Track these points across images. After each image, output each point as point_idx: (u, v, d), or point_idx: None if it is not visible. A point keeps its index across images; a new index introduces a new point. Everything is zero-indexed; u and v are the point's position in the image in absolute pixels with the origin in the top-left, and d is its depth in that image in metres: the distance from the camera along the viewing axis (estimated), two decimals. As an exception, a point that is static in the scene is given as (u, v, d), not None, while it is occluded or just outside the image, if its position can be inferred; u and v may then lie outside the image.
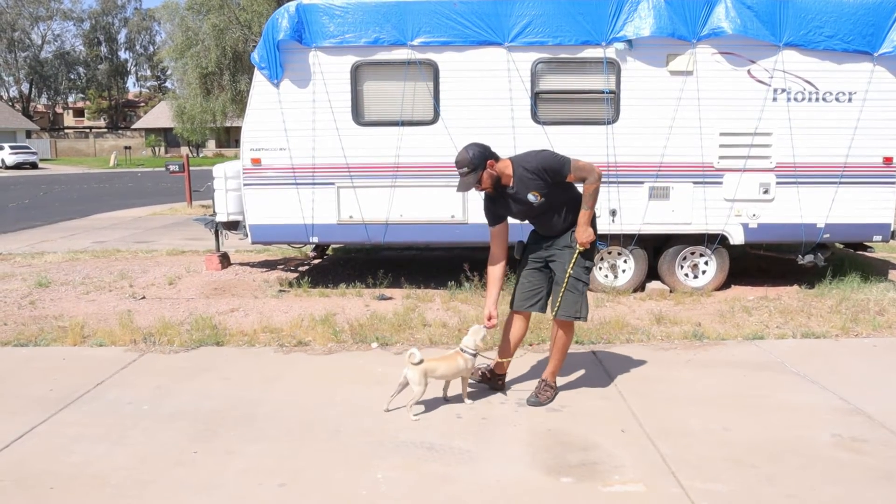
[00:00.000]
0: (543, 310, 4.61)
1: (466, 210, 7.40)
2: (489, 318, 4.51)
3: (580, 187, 4.34)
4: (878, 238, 7.60)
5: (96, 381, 5.04)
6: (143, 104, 77.01)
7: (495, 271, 4.55)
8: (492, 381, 4.78)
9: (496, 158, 4.29)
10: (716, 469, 3.65)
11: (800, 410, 4.42)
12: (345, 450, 3.93)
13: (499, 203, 4.44)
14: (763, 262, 8.39)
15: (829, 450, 3.88)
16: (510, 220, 4.52)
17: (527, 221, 4.56)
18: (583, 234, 4.29)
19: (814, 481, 3.52)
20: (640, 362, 5.34)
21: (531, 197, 4.26)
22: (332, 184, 7.47)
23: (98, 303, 7.47)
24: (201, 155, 50.49)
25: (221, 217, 8.54)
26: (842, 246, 8.56)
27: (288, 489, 3.51)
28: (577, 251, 4.33)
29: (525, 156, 4.35)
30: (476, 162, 4.19)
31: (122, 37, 79.07)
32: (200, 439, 4.10)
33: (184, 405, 4.61)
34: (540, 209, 4.35)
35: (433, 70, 7.28)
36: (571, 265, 4.35)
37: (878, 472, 3.62)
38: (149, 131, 59.65)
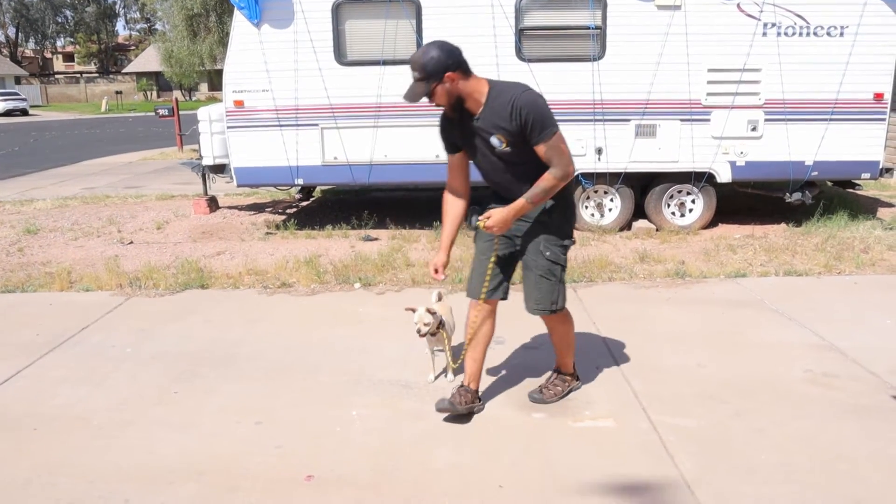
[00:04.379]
0: (506, 296, 3.63)
1: (451, 151, 7.34)
2: (434, 270, 3.53)
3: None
4: (867, 175, 7.57)
5: (82, 325, 5.08)
6: (133, 48, 75.76)
7: (451, 208, 3.55)
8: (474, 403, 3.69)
9: (465, 72, 3.22)
10: (686, 405, 3.70)
11: (775, 347, 4.46)
12: (322, 388, 3.99)
13: (457, 130, 3.41)
14: (752, 200, 8.37)
15: (801, 385, 3.93)
16: None
17: (481, 172, 3.51)
18: (497, 217, 3.28)
19: (782, 416, 3.57)
20: (621, 300, 5.38)
21: (494, 140, 3.26)
22: (316, 125, 7.40)
23: (86, 248, 7.48)
24: (194, 98, 49.86)
25: (208, 160, 8.48)
26: (831, 184, 8.53)
27: (263, 426, 3.57)
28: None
29: (510, 86, 3.28)
30: (431, 69, 3.14)
31: (109, -23, 77.36)
32: (181, 380, 4.15)
33: (166, 347, 4.66)
34: (499, 160, 3.35)
35: (415, 7, 7.14)
36: (547, 244, 3.46)
37: (846, 406, 3.67)
38: (140, 75, 58.83)
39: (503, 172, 3.40)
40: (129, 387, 4.08)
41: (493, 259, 3.50)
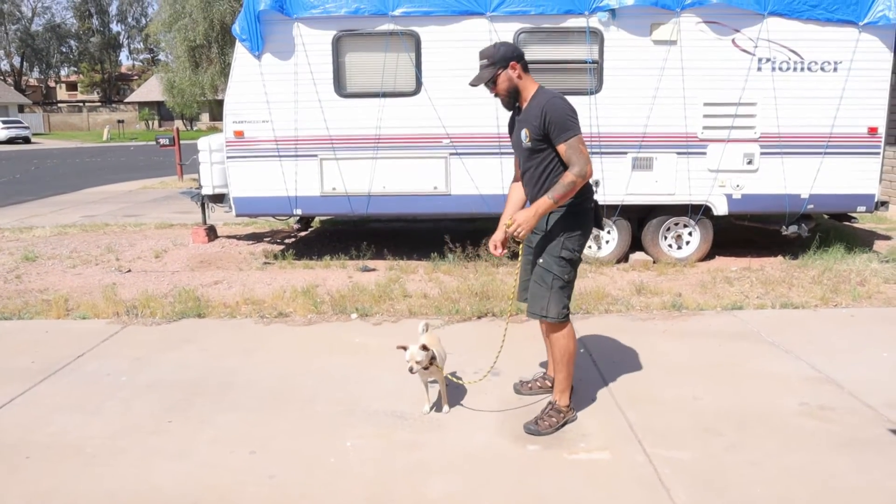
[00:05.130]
0: None
1: (449, 181, 7.40)
2: (494, 246, 3.80)
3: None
4: (863, 209, 7.61)
5: (77, 353, 5.08)
6: (136, 77, 76.42)
7: (513, 194, 4.02)
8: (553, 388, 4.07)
9: (525, 69, 3.69)
10: (682, 437, 3.70)
11: (771, 379, 4.46)
12: (317, 418, 3.98)
13: (509, 125, 3.91)
14: (749, 233, 8.41)
15: (796, 418, 3.92)
16: None
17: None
18: (521, 218, 3.56)
19: (777, 449, 3.57)
20: (617, 332, 5.37)
21: (523, 134, 3.67)
22: (315, 156, 7.46)
23: (84, 276, 7.49)
24: (195, 128, 50.18)
25: (207, 190, 8.52)
26: (827, 217, 8.58)
27: (257, 456, 3.56)
28: (513, 232, 3.60)
29: (548, 92, 3.68)
30: (499, 56, 3.62)
31: (113, 9, 78.33)
32: (176, 409, 4.14)
33: (162, 376, 4.65)
34: (525, 155, 3.75)
35: (415, 41, 7.23)
36: (545, 254, 3.75)
37: (841, 439, 3.66)
38: (142, 105, 59.26)
39: (526, 167, 3.80)
40: (123, 415, 4.07)
41: (527, 270, 3.90)
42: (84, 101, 72.71)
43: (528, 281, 3.86)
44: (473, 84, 3.72)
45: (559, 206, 3.64)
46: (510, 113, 3.87)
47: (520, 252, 3.93)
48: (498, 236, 3.78)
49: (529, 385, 4.27)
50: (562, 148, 3.57)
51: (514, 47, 3.75)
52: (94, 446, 3.70)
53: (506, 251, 3.78)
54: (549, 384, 4.15)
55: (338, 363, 4.83)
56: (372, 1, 7.15)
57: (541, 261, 3.74)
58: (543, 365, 4.53)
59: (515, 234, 3.56)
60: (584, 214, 3.78)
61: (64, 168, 23.69)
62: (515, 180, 4.04)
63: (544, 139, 3.61)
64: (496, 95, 3.76)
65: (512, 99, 3.73)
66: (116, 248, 8.92)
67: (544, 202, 3.57)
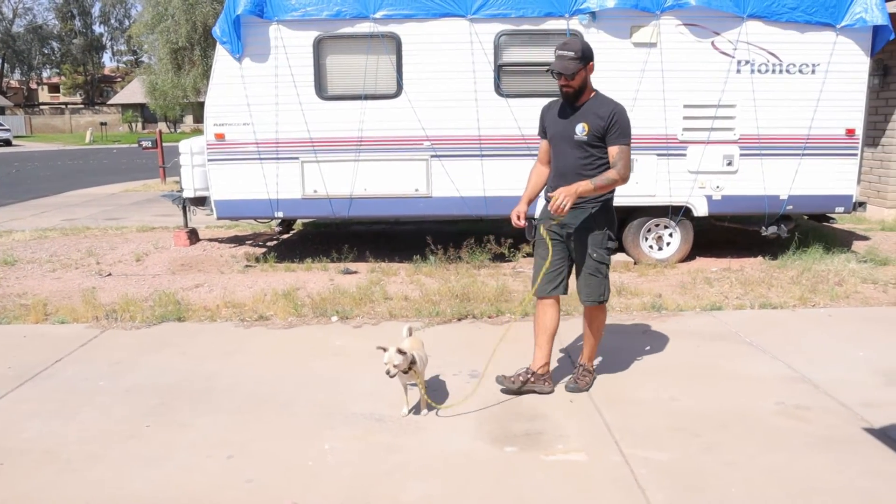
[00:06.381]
0: (566, 291, 4.26)
1: (430, 183, 7.41)
2: (517, 217, 4.13)
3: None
4: (841, 209, 7.69)
5: (55, 357, 5.04)
6: (119, 79, 75.96)
7: (535, 176, 4.35)
8: (537, 385, 4.30)
9: (592, 71, 4.05)
10: (659, 438, 3.71)
11: (748, 380, 4.50)
12: (296, 421, 3.97)
13: (550, 115, 4.20)
14: (729, 234, 8.46)
15: (773, 418, 3.95)
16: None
17: (553, 154, 4.22)
18: (565, 192, 3.83)
19: (754, 449, 3.59)
20: (597, 333, 5.38)
21: (580, 127, 3.97)
22: (296, 158, 7.44)
23: (63, 280, 7.44)
24: (179, 130, 49.96)
25: (188, 193, 8.48)
26: (806, 217, 8.65)
27: (235, 460, 3.54)
28: (558, 219, 3.99)
29: (610, 97, 4.08)
30: (587, 54, 3.95)
31: (95, 10, 77.79)
32: (154, 413, 4.12)
33: (140, 380, 4.62)
34: (573, 146, 4.03)
35: (396, 43, 7.23)
36: (594, 247, 4.12)
37: (818, 438, 3.70)
38: (125, 107, 58.91)
39: (570, 158, 4.07)
40: (101, 420, 4.05)
41: (548, 261, 4.16)
42: (66, 104, 72.03)
43: (556, 273, 4.19)
44: (558, 70, 3.94)
45: (595, 200, 4.06)
46: (553, 104, 4.22)
47: (543, 245, 4.18)
48: (521, 208, 4.17)
49: (512, 379, 4.32)
50: (614, 149, 3.97)
51: (591, 48, 4.02)
52: (71, 452, 3.67)
53: (525, 223, 4.14)
54: (532, 379, 4.30)
55: (317, 366, 4.82)
56: (352, 3, 7.15)
57: (594, 255, 4.14)
58: (527, 363, 4.54)
59: (560, 206, 3.81)
60: (613, 210, 4.23)
61: (45, 171, 23.48)
62: (542, 163, 4.34)
63: (602, 138, 3.99)
64: (566, 87, 4.01)
65: (578, 93, 4.03)
66: (97, 251, 8.86)
67: (586, 185, 3.90)
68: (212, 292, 6.78)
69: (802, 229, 8.20)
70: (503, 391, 4.27)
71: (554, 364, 4.63)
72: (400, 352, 3.81)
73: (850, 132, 7.44)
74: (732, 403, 4.14)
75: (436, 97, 7.22)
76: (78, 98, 76.91)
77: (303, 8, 7.16)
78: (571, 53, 3.93)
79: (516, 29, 7.22)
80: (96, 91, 78.21)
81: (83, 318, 5.93)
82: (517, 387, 4.26)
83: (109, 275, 7.64)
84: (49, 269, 7.96)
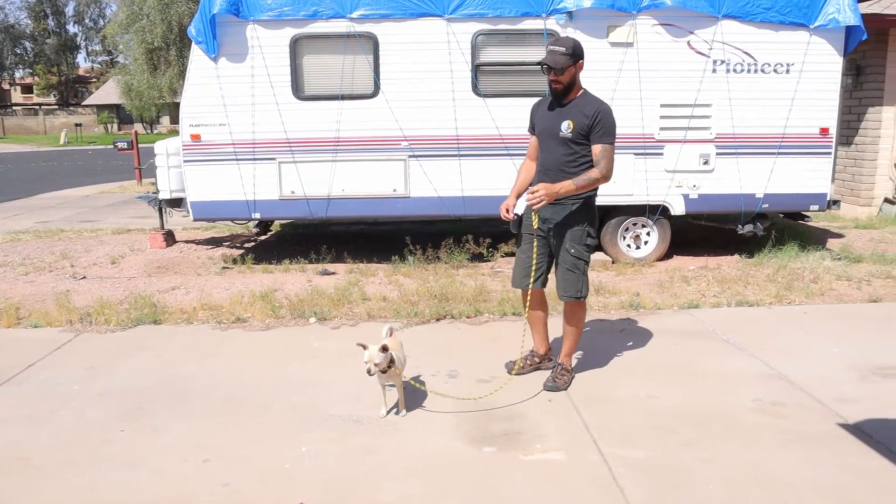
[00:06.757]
0: (545, 285, 4.45)
1: (408, 183, 7.39)
2: (506, 210, 4.26)
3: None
4: (815, 207, 7.76)
5: (28, 362, 4.96)
6: (94, 80, 75.06)
7: (524, 171, 4.42)
8: (543, 363, 4.65)
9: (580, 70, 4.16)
10: (636, 436, 3.72)
11: (725, 377, 4.53)
12: (273, 424, 3.94)
13: (539, 112, 4.32)
14: (706, 232, 8.52)
15: (749, 415, 3.98)
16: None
17: (541, 150, 4.31)
18: (545, 189, 3.94)
19: (730, 446, 3.61)
20: (576, 332, 5.39)
21: (565, 124, 4.07)
22: (273, 159, 7.39)
23: (36, 284, 7.33)
24: (155, 131, 49.48)
25: (164, 194, 8.39)
26: (782, 216, 8.73)
27: (211, 464, 3.50)
28: (534, 210, 4.11)
29: (597, 97, 4.20)
30: (578, 51, 4.06)
31: (69, 10, 76.81)
32: (129, 418, 4.07)
33: (115, 384, 4.56)
34: (555, 140, 4.13)
35: (373, 43, 7.20)
36: (572, 243, 4.21)
37: (793, 434, 3.73)
38: (101, 108, 58.19)
39: (554, 154, 4.16)
40: (74, 425, 3.99)
41: (533, 255, 4.26)
42: (40, 104, 71.10)
43: (533, 267, 4.28)
44: (549, 64, 4.03)
45: (576, 197, 4.12)
46: (542, 101, 4.35)
47: (525, 240, 4.33)
48: (509, 201, 4.28)
49: (522, 365, 4.58)
50: (597, 148, 4.06)
51: (582, 47, 4.13)
52: (43, 458, 3.61)
53: (513, 216, 4.25)
54: (538, 360, 4.63)
55: (295, 368, 4.79)
56: (329, 3, 7.11)
57: (572, 250, 4.21)
58: (505, 364, 4.67)
59: (537, 199, 3.91)
60: (595, 207, 4.31)
61: (18, 172, 23.15)
62: (531, 159, 4.41)
63: (586, 136, 4.07)
64: (555, 83, 4.10)
65: (566, 91, 4.13)
66: (71, 254, 8.74)
67: (568, 185, 4.01)
68: (188, 294, 6.72)
69: (778, 227, 8.28)
70: (515, 375, 4.50)
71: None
72: (383, 349, 3.79)
73: (824, 131, 7.52)
74: (710, 401, 4.16)
75: (413, 97, 7.20)
76: (52, 99, 75.90)
77: (279, 7, 7.11)
78: (563, 49, 4.03)
79: (493, 29, 7.22)
80: (71, 92, 77.24)
81: (57, 321, 5.85)
82: (527, 370, 4.57)
83: (84, 278, 7.54)
84: (22, 272, 7.84)
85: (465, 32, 7.17)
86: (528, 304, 4.48)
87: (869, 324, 5.59)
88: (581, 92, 4.18)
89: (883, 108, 9.92)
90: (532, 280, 4.33)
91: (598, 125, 4.04)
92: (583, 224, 4.21)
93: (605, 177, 4.07)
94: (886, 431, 3.71)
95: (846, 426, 3.80)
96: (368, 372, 3.78)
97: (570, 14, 7.17)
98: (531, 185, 4.23)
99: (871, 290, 6.49)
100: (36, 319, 5.89)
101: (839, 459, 3.45)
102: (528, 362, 4.62)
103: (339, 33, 7.18)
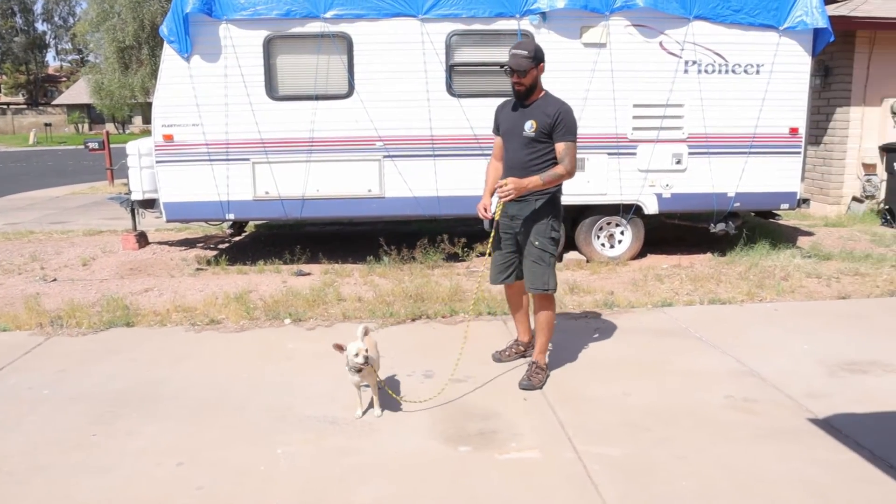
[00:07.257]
0: (520, 278, 4.58)
1: (383, 184, 7.38)
2: (484, 209, 4.44)
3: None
4: (786, 206, 7.87)
5: (-4, 367, 4.89)
6: (64, 79, 73.98)
7: (492, 171, 4.59)
8: (528, 351, 4.83)
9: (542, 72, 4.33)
10: (611, 433, 3.76)
11: (698, 374, 4.58)
12: (248, 426, 3.91)
13: (503, 113, 4.49)
14: (679, 231, 8.61)
15: (722, 411, 4.03)
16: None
17: (506, 149, 4.47)
18: (514, 183, 4.10)
19: (704, 442, 3.66)
20: (551, 331, 5.42)
21: (528, 124, 4.24)
22: (247, 159, 7.34)
23: (5, 286, 7.21)
24: (128, 131, 48.89)
25: (137, 195, 8.30)
26: (753, 214, 8.84)
27: (185, 467, 3.48)
28: (501, 202, 4.23)
29: (558, 97, 4.34)
30: (539, 54, 4.23)
31: (38, 7, 75.75)
32: (101, 422, 4.02)
33: (87, 388, 4.51)
34: (522, 142, 4.28)
35: (347, 43, 7.18)
36: (537, 236, 4.35)
37: (765, 430, 3.78)
38: (71, 107, 57.37)
39: (519, 153, 4.32)
40: (44, 430, 3.93)
41: (505, 253, 4.52)
42: (8, 104, 69.74)
43: (506, 264, 4.54)
44: (512, 66, 4.18)
45: (540, 193, 4.28)
46: (506, 103, 4.48)
47: (496, 238, 4.50)
48: (485, 201, 4.47)
49: (507, 353, 4.85)
50: (560, 146, 4.22)
51: (543, 51, 4.30)
52: (12, 464, 3.56)
53: (491, 215, 4.37)
54: (522, 349, 4.85)
55: (270, 370, 4.76)
56: (303, 2, 7.07)
57: (536, 243, 4.35)
58: (481, 362, 4.76)
59: (506, 192, 4.08)
60: (560, 202, 4.47)
61: (-13, 174, 22.79)
62: (496, 159, 4.58)
63: (549, 134, 4.22)
64: (518, 84, 4.25)
65: (528, 92, 4.27)
66: (42, 256, 8.62)
67: (534, 180, 4.16)
68: (162, 296, 6.65)
69: (749, 226, 8.39)
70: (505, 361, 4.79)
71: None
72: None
73: (794, 131, 7.63)
74: (683, 398, 4.21)
75: (388, 97, 7.19)
76: (20, 98, 74.62)
77: (252, 7, 7.06)
78: (525, 52, 4.19)
79: (467, 29, 7.23)
80: (40, 91, 76.02)
81: (26, 325, 5.76)
82: (513, 357, 4.82)
83: (55, 280, 7.44)
84: (-10, 275, 7.72)
85: (439, 33, 7.18)
86: (507, 296, 4.80)
87: (838, 320, 5.68)
88: (543, 93, 4.34)
89: (850, 109, 10.08)
90: (506, 276, 4.58)
91: (560, 124, 4.20)
92: (547, 218, 4.37)
93: (570, 172, 4.23)
94: (854, 426, 3.78)
95: (816, 421, 3.86)
96: (358, 366, 3.79)
97: (543, 15, 7.20)
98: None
99: (840, 287, 6.60)
100: (4, 323, 5.79)
101: (809, 454, 3.51)
102: (514, 350, 4.85)
103: (312, 33, 7.15)
